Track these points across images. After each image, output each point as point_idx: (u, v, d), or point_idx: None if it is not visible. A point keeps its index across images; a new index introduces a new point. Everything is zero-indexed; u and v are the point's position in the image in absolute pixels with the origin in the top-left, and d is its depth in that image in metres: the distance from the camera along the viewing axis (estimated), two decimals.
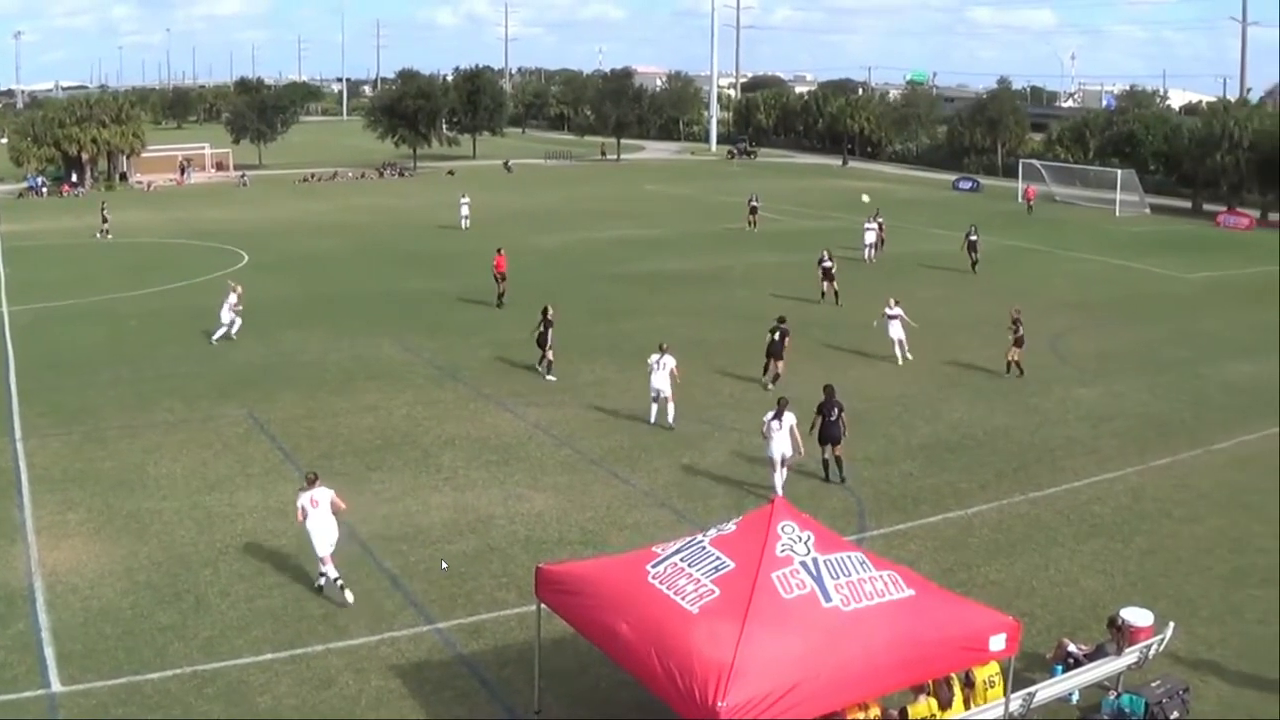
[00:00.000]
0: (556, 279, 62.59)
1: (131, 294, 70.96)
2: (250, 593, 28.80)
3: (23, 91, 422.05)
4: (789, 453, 34.83)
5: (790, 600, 18.77)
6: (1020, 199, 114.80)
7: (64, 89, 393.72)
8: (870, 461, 37.91)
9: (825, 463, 36.63)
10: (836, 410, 36.10)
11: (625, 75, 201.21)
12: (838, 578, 19.21)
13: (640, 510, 33.93)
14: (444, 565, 31.15)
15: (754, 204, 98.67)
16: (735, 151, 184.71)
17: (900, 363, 50.98)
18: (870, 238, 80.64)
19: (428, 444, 40.21)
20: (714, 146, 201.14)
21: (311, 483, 29.52)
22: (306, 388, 47.94)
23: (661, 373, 43.00)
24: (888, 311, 51.74)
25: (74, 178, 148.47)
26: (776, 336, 47.91)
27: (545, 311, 49.04)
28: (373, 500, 34.91)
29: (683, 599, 19.13)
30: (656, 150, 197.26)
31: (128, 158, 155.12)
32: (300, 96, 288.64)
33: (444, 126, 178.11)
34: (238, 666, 25.32)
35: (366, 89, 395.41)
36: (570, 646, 23.38)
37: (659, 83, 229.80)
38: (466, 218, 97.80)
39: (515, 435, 40.85)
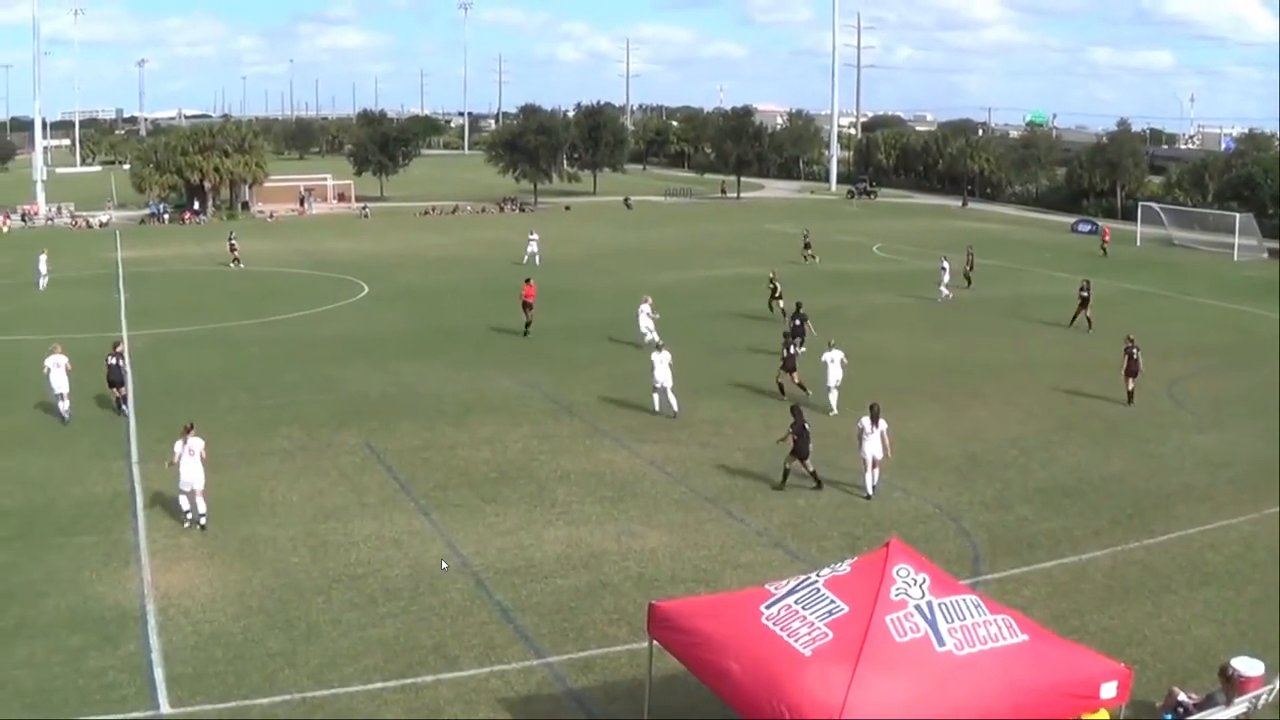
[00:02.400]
0: (673, 316, 62.56)
1: (251, 322, 71.69)
2: (362, 621, 28.90)
3: (146, 119, 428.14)
4: (880, 455, 38.08)
5: (903, 644, 18.58)
6: (1101, 240, 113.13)
7: (187, 117, 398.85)
8: (986, 505, 37.56)
9: (787, 472, 38.67)
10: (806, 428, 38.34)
11: (746, 113, 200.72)
12: (952, 622, 19.01)
13: (754, 550, 33.76)
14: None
15: (807, 239, 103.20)
16: (855, 191, 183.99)
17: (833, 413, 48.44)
18: (946, 276, 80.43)
19: (543, 478, 40.24)
20: (834, 186, 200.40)
21: (188, 431, 36.31)
22: (424, 418, 48.15)
23: (663, 366, 48.69)
24: (826, 356, 50.16)
25: (196, 205, 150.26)
26: (790, 351, 51.68)
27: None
28: (487, 533, 34.97)
29: (795, 641, 18.98)
30: (776, 189, 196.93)
31: (250, 187, 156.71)
32: (422, 130, 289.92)
33: (565, 162, 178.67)
34: (347, 694, 25.39)
35: (488, 123, 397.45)
36: (680, 685, 23.25)
37: (779, 121, 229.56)
38: (535, 254, 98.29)
39: (630, 471, 40.81)
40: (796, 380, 51.07)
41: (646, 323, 63.26)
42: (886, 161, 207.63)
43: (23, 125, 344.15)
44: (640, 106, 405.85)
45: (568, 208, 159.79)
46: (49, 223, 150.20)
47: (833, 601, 19.44)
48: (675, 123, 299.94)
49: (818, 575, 20.51)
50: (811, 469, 38.87)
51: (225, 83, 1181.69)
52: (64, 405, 49.54)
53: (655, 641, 21.70)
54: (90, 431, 46.44)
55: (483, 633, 28.21)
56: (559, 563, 32.72)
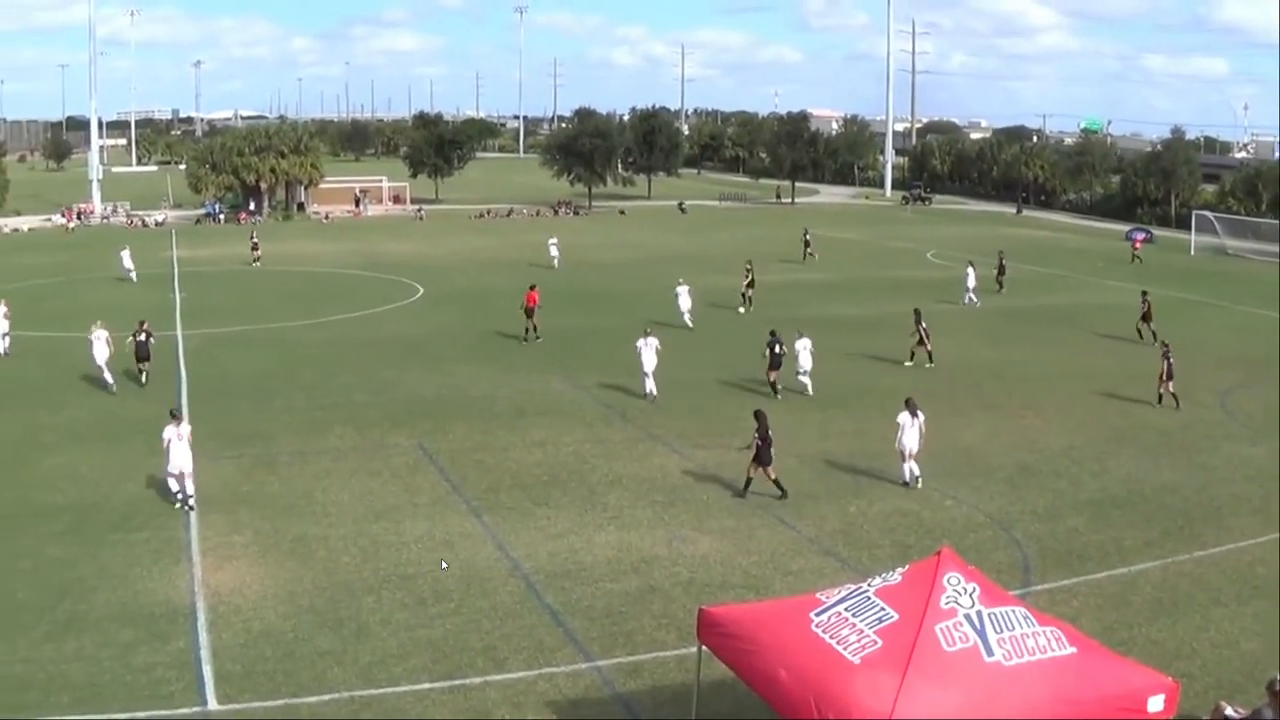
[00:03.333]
0: (725, 321, 62.42)
1: (306, 323, 71.98)
2: (411, 622, 28.97)
3: (201, 119, 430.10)
4: (916, 447, 39.40)
5: (952, 653, 18.52)
6: (1132, 248, 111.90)
7: (243, 118, 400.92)
8: (1037, 515, 37.37)
9: (749, 481, 38.83)
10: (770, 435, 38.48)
11: (801, 118, 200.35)
12: (1001, 632, 18.93)
13: (805, 557, 33.69)
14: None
15: (807, 238, 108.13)
16: (910, 197, 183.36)
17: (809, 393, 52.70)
18: (971, 281, 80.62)
19: (594, 482, 40.26)
20: (889, 192, 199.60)
21: (174, 417, 38.52)
22: (477, 420, 48.28)
23: (649, 352, 52.26)
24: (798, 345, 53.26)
25: (251, 206, 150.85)
26: (777, 350, 52.54)
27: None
28: (537, 536, 35.02)
29: (845, 649, 18.93)
30: (831, 194, 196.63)
31: (305, 188, 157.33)
32: (477, 133, 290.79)
33: (619, 166, 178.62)
34: (395, 694, 25.46)
35: (543, 127, 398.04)
36: (729, 691, 23.21)
37: (834, 126, 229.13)
38: (556, 258, 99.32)
39: (682, 477, 40.76)
40: (773, 378, 52.73)
41: (686, 302, 69.90)
42: (941, 168, 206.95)
43: (79, 125, 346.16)
44: (695, 111, 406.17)
45: (622, 211, 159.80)
46: (104, 221, 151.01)
47: (883, 609, 19.39)
48: (730, 127, 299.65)
49: (868, 583, 20.46)
50: (774, 477, 38.69)
51: (281, 84, 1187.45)
52: (108, 376, 54.25)
53: (704, 647, 21.68)
54: (143, 429, 46.51)
55: (532, 635, 28.24)
56: (609, 567, 32.75)
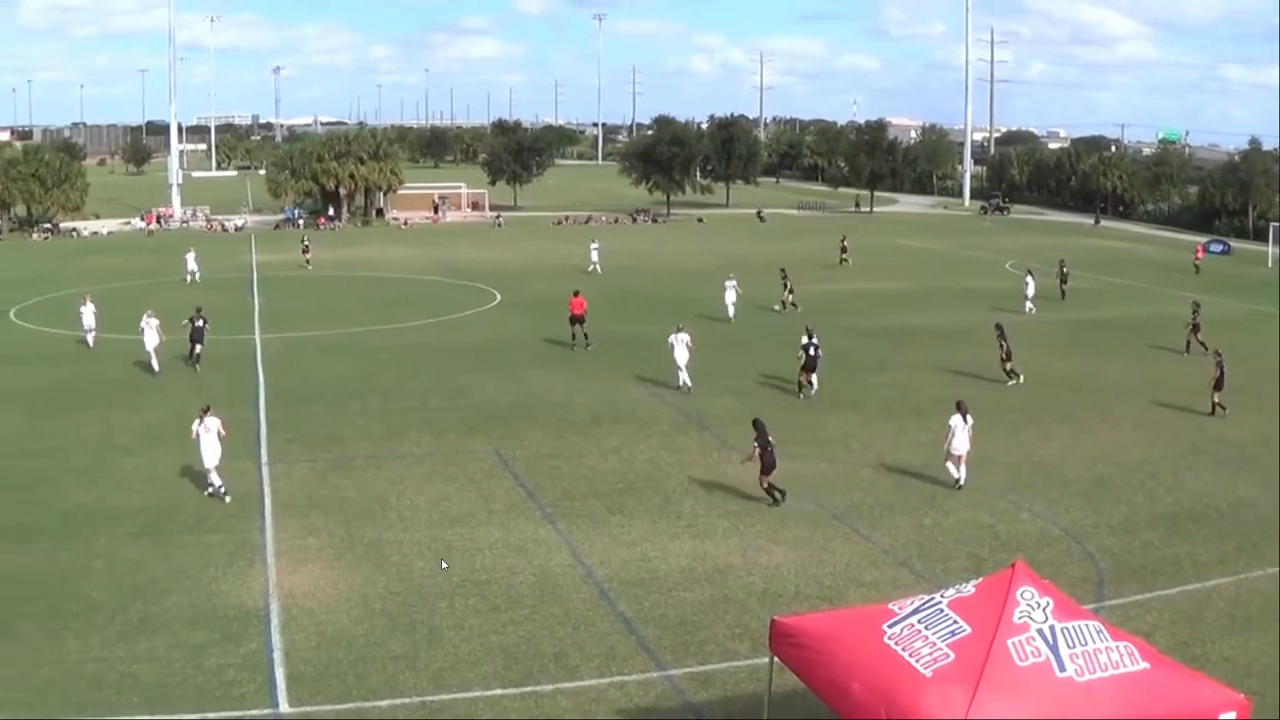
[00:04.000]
0: (800, 329, 62.10)
1: (384, 328, 72.29)
2: (484, 628, 29.01)
3: (281, 125, 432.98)
4: (967, 449, 40.29)
5: (1024, 668, 18.39)
6: (1193, 259, 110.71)
7: (323, 124, 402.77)
8: (1112, 529, 37.05)
9: (770, 489, 38.84)
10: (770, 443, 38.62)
11: (879, 127, 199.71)
12: (1073, 647, 18.78)
13: (879, 568, 33.54)
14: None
15: (844, 243, 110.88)
16: (988, 207, 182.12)
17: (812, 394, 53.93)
18: (1030, 289, 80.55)
19: (669, 490, 40.21)
20: (967, 201, 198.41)
21: (205, 413, 39.36)
22: (553, 427, 48.35)
23: (680, 347, 54.67)
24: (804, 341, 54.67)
25: (331, 211, 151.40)
26: (812, 352, 53.80)
27: None
28: (611, 543, 35.02)
29: (917, 661, 18.84)
30: (909, 203, 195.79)
31: (384, 194, 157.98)
32: (556, 139, 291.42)
33: (698, 174, 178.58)
34: (466, 700, 25.51)
35: (622, 134, 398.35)
36: (800, 701, 23.12)
37: (913, 135, 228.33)
38: (596, 263, 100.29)
39: (757, 486, 40.52)
40: (804, 380, 54.11)
41: (731, 296, 75.66)
42: (1019, 177, 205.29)
43: (159, 129, 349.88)
44: (774, 119, 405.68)
45: (700, 220, 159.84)
46: (184, 225, 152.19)
47: (955, 622, 19.28)
48: (808, 136, 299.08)
49: (942, 595, 20.35)
50: (766, 486, 38.86)
51: (360, 91, 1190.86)
52: (155, 362, 59.09)
53: (776, 657, 21.61)
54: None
55: (604, 643, 28.23)
56: (683, 575, 32.69)
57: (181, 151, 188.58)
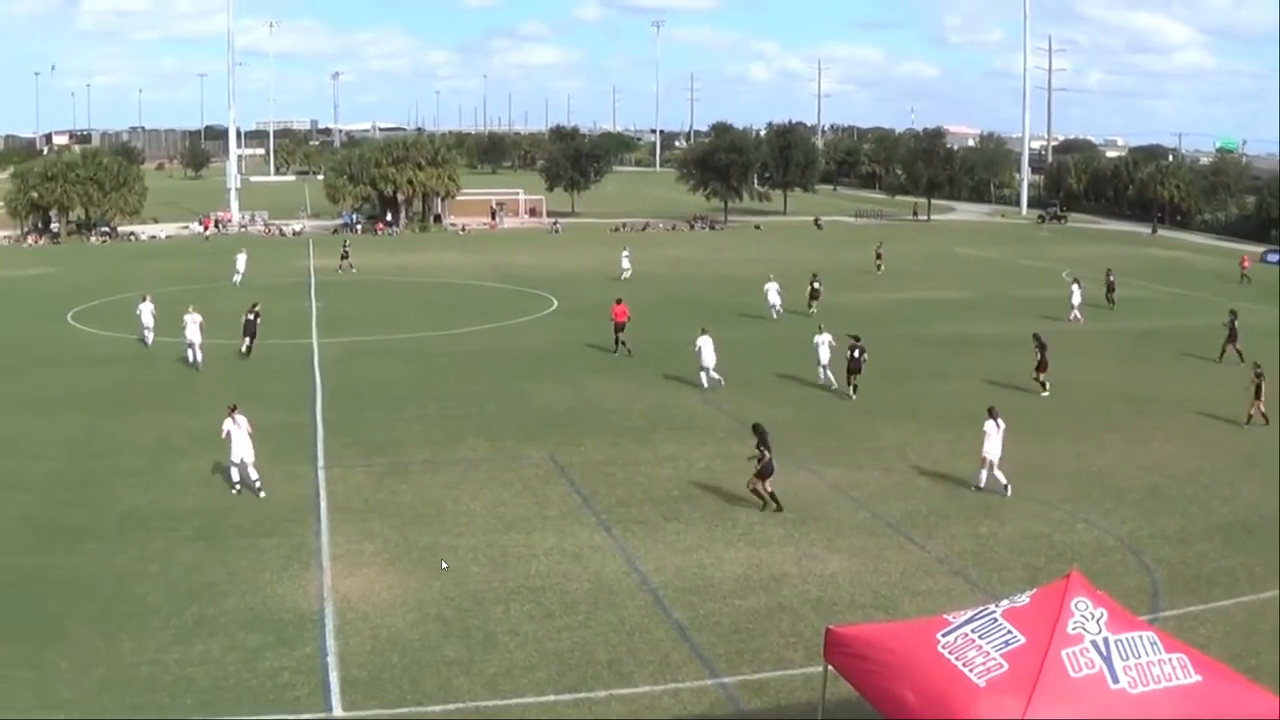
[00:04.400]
0: (853, 334, 61.88)
1: (441, 333, 72.56)
2: (539, 634, 29.06)
3: (340, 131, 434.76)
4: (1000, 454, 40.67)
5: (1078, 679, 18.33)
6: (1240, 267, 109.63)
7: (381, 130, 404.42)
8: (1167, 540, 36.85)
9: (759, 494, 38.93)
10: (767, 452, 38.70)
11: (937, 135, 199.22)
12: (1127, 659, 18.72)
13: (934, 577, 33.46)
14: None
15: (879, 250, 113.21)
16: (1046, 216, 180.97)
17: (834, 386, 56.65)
18: (1077, 298, 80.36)
19: (725, 497, 40.12)
20: (1024, 210, 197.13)
21: (233, 411, 40.35)
22: (609, 434, 48.42)
23: (708, 350, 56.71)
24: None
25: (389, 217, 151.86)
26: (855, 354, 55.08)
27: None
28: (667, 550, 35.03)
29: (971, 671, 18.81)
30: (966, 212, 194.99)
31: (442, 200, 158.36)
32: (614, 146, 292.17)
33: (756, 181, 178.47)
34: (520, 705, 25.56)
35: (680, 141, 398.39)
36: (854, 710, 23.04)
37: (970, 143, 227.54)
38: (628, 269, 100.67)
39: (813, 495, 40.58)
40: (853, 382, 55.32)
41: (775, 299, 79.26)
42: (1077, 186, 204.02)
43: (217, 134, 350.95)
44: (831, 126, 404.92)
45: (758, 227, 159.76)
46: (242, 230, 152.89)
47: (1010, 632, 19.23)
48: (866, 143, 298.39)
49: (996, 605, 20.31)
50: (770, 490, 38.90)
51: (419, 96, 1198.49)
52: (193, 355, 62.07)
53: (831, 666, 21.60)
54: (276, 436, 47.11)
55: (658, 650, 28.25)
56: (738, 583, 32.68)
57: (240, 156, 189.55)
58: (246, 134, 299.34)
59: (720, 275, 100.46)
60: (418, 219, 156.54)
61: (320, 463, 44.10)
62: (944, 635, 19.89)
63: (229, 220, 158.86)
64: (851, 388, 55.06)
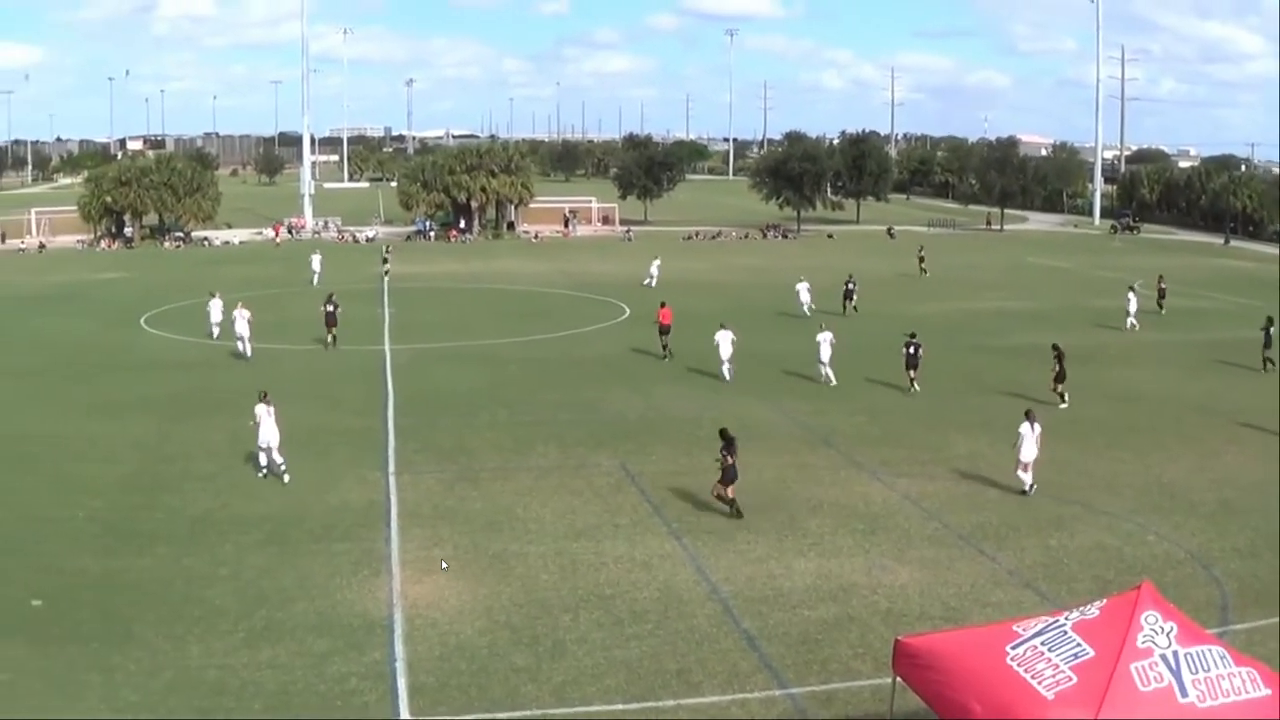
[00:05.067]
0: (930, 348, 61.73)
1: (513, 340, 72.80)
2: (607, 642, 29.09)
3: (413, 137, 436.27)
4: (1034, 456, 41.32)
5: (1147, 693, 18.28)
6: None
7: (454, 137, 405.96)
8: (1238, 553, 36.50)
9: (723, 499, 39.17)
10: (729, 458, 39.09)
11: (1010, 144, 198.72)
12: (1196, 673, 18.64)
13: (1004, 589, 33.30)
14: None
15: (922, 254, 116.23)
16: (1118, 226, 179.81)
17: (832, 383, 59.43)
18: (1133, 306, 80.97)
19: (795, 507, 40.08)
20: (1097, 220, 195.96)
21: (264, 398, 43.47)
22: (680, 443, 48.35)
23: (726, 344, 60.36)
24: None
25: (462, 224, 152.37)
26: (912, 350, 57.93)
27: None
28: (736, 560, 34.99)
29: (1039, 684, 18.77)
30: (1039, 221, 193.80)
31: (515, 207, 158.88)
32: (687, 154, 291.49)
33: (829, 190, 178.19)
34: (587, 714, 25.57)
35: (753, 149, 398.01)
36: None
37: (1043, 152, 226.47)
38: (653, 277, 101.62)
39: (884, 505, 40.50)
40: (911, 376, 58.24)
41: (805, 298, 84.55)
42: (1150, 196, 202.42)
43: (291, 140, 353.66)
44: (904, 135, 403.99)
45: (830, 235, 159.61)
46: (316, 236, 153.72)
47: (1079, 645, 19.17)
48: (939, 152, 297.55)
49: (1065, 617, 20.23)
50: (732, 496, 38.99)
51: (492, 104, 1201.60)
52: (242, 346, 66.06)
53: (899, 678, 21.56)
54: (348, 441, 47.42)
55: (727, 660, 28.23)
56: (807, 593, 32.62)
57: (314, 162, 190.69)
58: (320, 140, 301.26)
59: (789, 284, 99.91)
60: (491, 226, 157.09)
61: (391, 468, 44.30)
62: (1013, 647, 19.84)
63: (302, 226, 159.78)
64: (911, 383, 57.71)
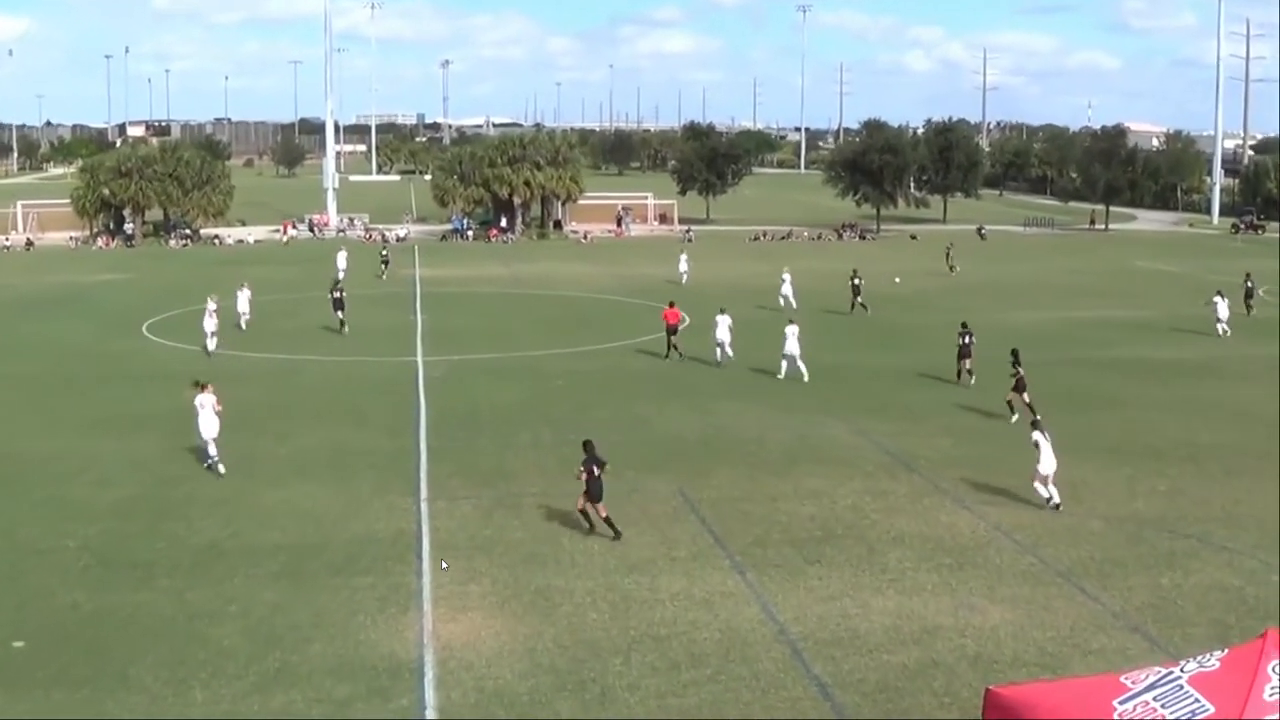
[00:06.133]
0: (1029, 362, 61.46)
1: (559, 351, 72.81)
2: (661, 689, 28.93)
3: (450, 126, 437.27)
4: (1054, 468, 42.94)
5: None
6: None
7: (495, 125, 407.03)
8: None
9: (586, 516, 39.84)
10: (596, 469, 39.54)
11: (1117, 133, 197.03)
12: None
13: (1108, 634, 33.00)
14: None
15: (950, 250, 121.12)
16: (1240, 225, 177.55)
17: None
18: (1223, 312, 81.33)
19: (873, 539, 39.87)
20: (1215, 218, 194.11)
21: (202, 389, 47.34)
22: (744, 466, 48.21)
23: (723, 328, 67.11)
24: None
25: (503, 222, 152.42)
26: (966, 340, 62.88)
27: None
28: (807, 597, 34.80)
29: None
30: (1149, 220, 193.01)
31: (563, 204, 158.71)
32: (754, 145, 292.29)
33: (912, 185, 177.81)
34: None
35: (827, 140, 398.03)
36: None
37: (1155, 142, 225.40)
38: (686, 273, 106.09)
39: (973, 537, 40.25)
40: (965, 367, 63.12)
41: (787, 289, 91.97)
42: (1277, 191, 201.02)
43: (313, 128, 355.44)
44: (998, 123, 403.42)
45: (914, 236, 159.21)
46: (340, 235, 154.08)
47: (1197, 701, 18.89)
48: (1037, 143, 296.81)
49: (1181, 668, 19.97)
50: (605, 514, 39.27)
51: (537, 88, 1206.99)
52: (211, 343, 70.78)
53: None
54: (375, 463, 47.43)
55: (796, 709, 28.05)
56: (886, 636, 32.39)
57: (338, 153, 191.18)
58: (346, 128, 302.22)
59: (880, 291, 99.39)
60: (535, 225, 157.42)
61: (423, 494, 44.27)
62: (1121, 702, 19.56)
63: (326, 224, 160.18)
64: (968, 374, 62.48)
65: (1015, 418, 54.64)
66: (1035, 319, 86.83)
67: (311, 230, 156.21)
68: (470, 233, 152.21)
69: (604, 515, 39.30)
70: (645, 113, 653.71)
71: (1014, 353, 56.78)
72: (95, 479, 46.57)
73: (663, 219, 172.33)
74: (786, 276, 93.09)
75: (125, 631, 32.25)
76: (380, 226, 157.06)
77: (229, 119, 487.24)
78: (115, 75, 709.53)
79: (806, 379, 61.70)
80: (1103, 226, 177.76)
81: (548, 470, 47.26)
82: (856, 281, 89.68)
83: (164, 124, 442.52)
